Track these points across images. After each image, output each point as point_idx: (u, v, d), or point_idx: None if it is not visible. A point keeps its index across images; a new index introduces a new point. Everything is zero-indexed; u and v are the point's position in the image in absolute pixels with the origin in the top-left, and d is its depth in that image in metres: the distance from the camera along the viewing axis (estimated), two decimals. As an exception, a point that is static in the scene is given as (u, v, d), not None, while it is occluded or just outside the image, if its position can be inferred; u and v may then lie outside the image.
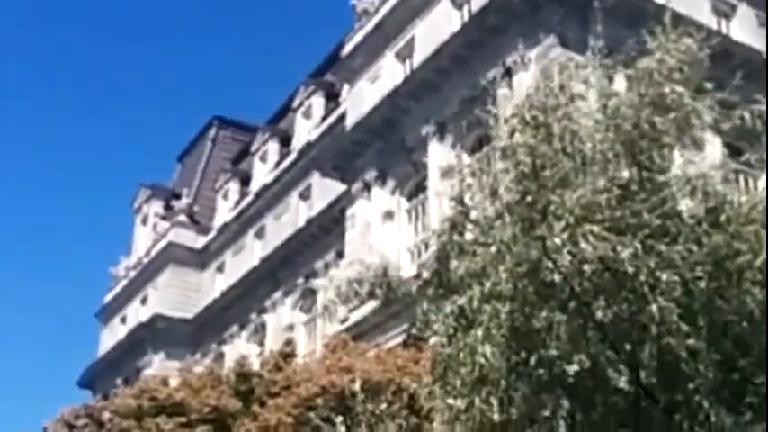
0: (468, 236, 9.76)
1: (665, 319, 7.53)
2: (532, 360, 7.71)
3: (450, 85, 26.50)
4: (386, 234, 28.52)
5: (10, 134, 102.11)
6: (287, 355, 21.47)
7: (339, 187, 32.89)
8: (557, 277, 7.66)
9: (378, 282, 11.00)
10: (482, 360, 7.70)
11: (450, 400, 8.30)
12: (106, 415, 20.68)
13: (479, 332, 7.87)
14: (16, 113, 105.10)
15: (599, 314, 7.81)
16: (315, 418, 17.19)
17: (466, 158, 21.40)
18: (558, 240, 7.48)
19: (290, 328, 37.08)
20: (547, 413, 8.13)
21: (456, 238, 9.97)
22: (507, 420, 8.47)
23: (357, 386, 17.22)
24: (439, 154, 25.34)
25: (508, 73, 23.47)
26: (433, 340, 9.21)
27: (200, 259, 47.26)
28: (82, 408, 20.95)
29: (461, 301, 8.41)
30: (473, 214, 9.96)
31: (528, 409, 8.19)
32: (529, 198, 8.04)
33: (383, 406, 17.33)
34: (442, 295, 9.43)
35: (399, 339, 21.40)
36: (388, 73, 30.03)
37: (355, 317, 30.60)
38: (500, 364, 7.69)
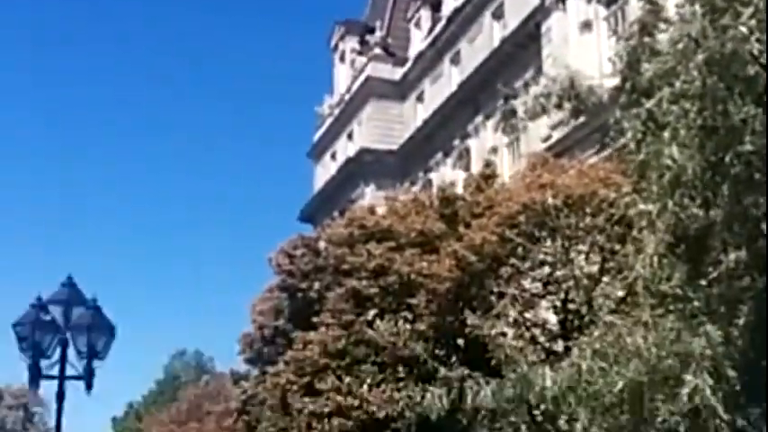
0: (660, 36, 9.21)
1: None
2: (728, 158, 7.29)
3: None
4: (584, 46, 27.43)
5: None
6: (488, 176, 21.56)
7: (532, 1, 31.69)
8: (752, 69, 7.07)
9: (566, 94, 10.62)
10: (669, 162, 7.37)
11: (642, 206, 8.08)
12: (321, 244, 21.89)
13: (666, 134, 7.50)
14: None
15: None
16: (517, 236, 17.35)
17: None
18: (744, 29, 6.86)
19: (494, 151, 37.09)
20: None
21: (646, 39, 9.43)
22: (710, 224, 8.17)
23: (559, 201, 17.13)
24: (634, -47, 23.67)
25: None
26: (624, 147, 8.92)
27: (400, 91, 47.72)
28: (299, 239, 22.26)
29: (650, 104, 8.01)
30: (665, 12, 9.37)
31: (729, 209, 7.83)
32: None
33: (587, 220, 17.22)
34: (634, 101, 9.04)
35: (603, 154, 20.93)
36: None
37: (557, 134, 30.10)
38: (693, 164, 7.33)
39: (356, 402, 18.32)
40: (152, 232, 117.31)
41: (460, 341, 17.61)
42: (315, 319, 19.99)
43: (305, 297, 21.14)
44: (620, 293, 14.37)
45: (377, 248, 19.84)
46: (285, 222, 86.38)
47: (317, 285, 20.87)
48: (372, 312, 19.54)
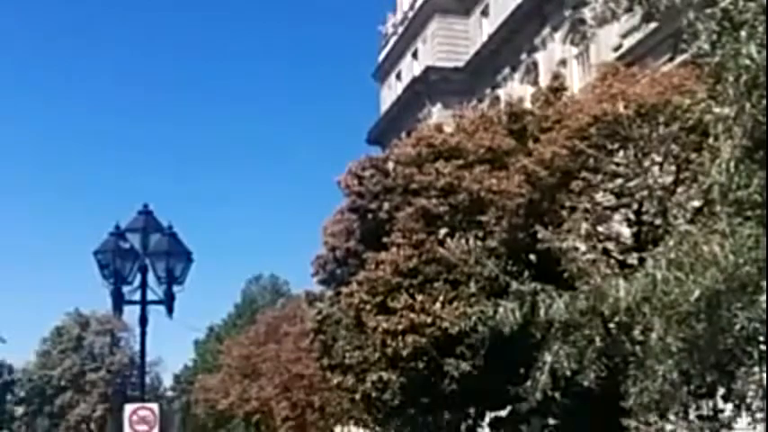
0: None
1: None
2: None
3: None
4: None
5: None
6: (556, 89, 21.11)
7: None
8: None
9: (636, -5, 10.23)
10: (746, 62, 7.06)
11: (718, 110, 7.80)
12: (390, 164, 21.84)
13: (744, 33, 7.17)
14: None
15: None
16: (588, 148, 17.04)
17: None
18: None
19: (562, 63, 36.30)
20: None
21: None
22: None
23: (631, 111, 16.73)
24: None
25: None
26: (699, 51, 8.57)
27: (464, 5, 46.80)
28: (367, 160, 22.23)
29: (726, 2, 7.66)
30: None
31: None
32: None
33: (660, 129, 16.80)
34: (709, 1, 8.66)
35: (676, 60, 20.28)
36: None
37: (628, 42, 29.28)
38: (771, 63, 7.02)
39: (429, 319, 18.48)
40: (225, 159, 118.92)
41: (532, 257, 17.53)
42: (385, 240, 20.07)
43: (375, 218, 21.20)
44: (696, 203, 14.10)
45: (445, 167, 19.71)
46: (354, 145, 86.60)
47: (386, 206, 20.87)
48: (443, 231, 19.53)
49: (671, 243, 8.68)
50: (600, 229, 17.95)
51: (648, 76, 19.06)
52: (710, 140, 8.67)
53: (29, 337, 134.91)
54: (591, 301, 9.33)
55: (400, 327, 18.76)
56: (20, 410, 70.07)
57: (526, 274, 10.95)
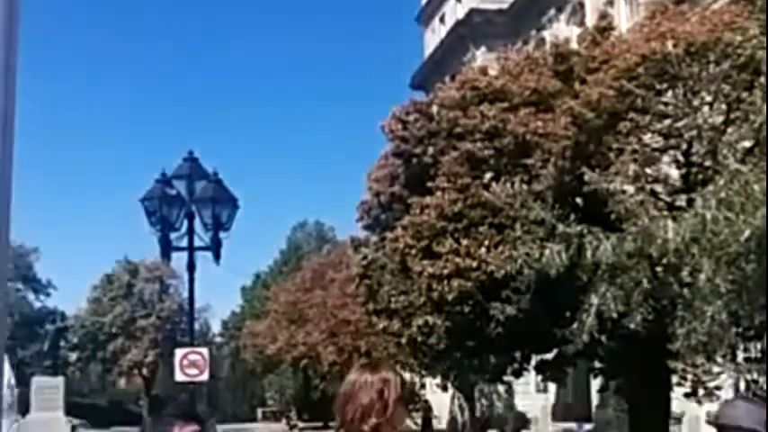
0: None
1: None
2: None
3: None
4: None
5: None
6: (604, 29, 20.67)
7: None
8: None
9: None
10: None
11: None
12: (434, 108, 21.68)
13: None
14: None
15: None
16: (636, 89, 16.71)
17: None
18: None
19: (610, 3, 35.55)
20: None
21: None
22: None
23: (680, 50, 16.33)
24: None
25: None
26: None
27: (508, -55, 45.94)
28: (411, 104, 22.07)
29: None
30: None
31: None
32: None
33: (710, 68, 16.40)
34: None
35: (727, -2, 19.76)
36: None
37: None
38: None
39: (474, 264, 18.47)
40: (269, 105, 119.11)
41: (578, 200, 17.37)
42: (430, 184, 20.01)
43: (419, 162, 21.11)
44: (747, 143, 13.78)
45: (490, 110, 19.51)
46: (398, 90, 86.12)
47: (431, 150, 20.76)
48: (488, 175, 19.41)
49: (721, 183, 8.52)
50: (648, 170, 17.68)
51: (698, 13, 18.58)
52: (762, 79, 8.46)
53: (80, 285, 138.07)
54: (638, 243, 9.23)
55: (446, 271, 18.78)
56: (73, 356, 71.90)
57: (572, 216, 10.86)
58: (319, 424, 53.27)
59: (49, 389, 46.84)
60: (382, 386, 3.17)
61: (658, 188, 17.76)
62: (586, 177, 15.09)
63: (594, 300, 10.49)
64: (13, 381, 34.27)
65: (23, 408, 41.74)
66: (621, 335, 14.11)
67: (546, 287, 15.48)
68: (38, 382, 49.78)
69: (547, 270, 10.52)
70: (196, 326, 48.50)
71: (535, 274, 13.14)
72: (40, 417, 42.05)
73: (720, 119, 16.49)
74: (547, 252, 10.14)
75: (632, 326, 11.34)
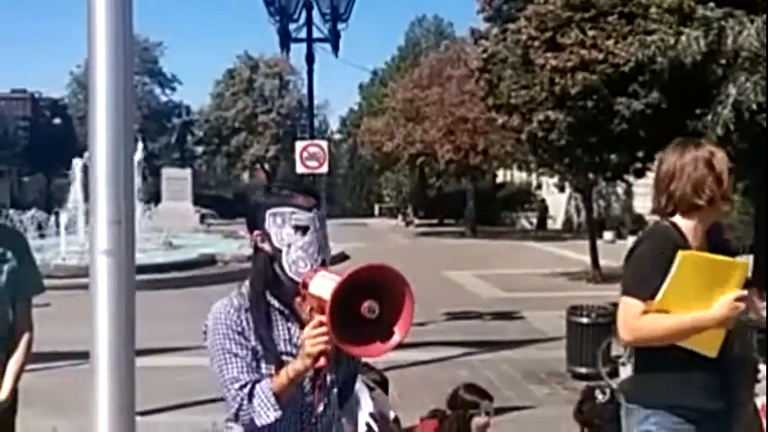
0: None
1: None
2: None
3: None
4: None
5: None
6: None
7: None
8: None
9: None
10: None
11: None
12: None
13: None
14: None
15: None
16: None
17: None
18: None
19: None
20: None
21: None
22: None
23: None
24: None
25: None
26: None
27: None
28: None
29: None
30: None
31: None
32: None
33: None
34: None
35: None
36: None
37: None
38: None
39: (601, 56, 17.65)
40: None
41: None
42: (556, -28, 18.96)
43: (545, -52, 19.92)
44: None
45: None
46: None
47: (557, -65, 19.49)
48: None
49: None
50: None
51: None
52: None
53: (203, 81, 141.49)
54: (788, 27, 8.53)
55: (569, 64, 18.07)
56: (199, 150, 74.58)
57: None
58: (435, 221, 54.37)
59: (178, 180, 49.15)
60: (711, 158, 3.11)
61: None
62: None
63: (732, 90, 9.91)
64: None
65: (154, 198, 43.85)
66: (755, 134, 13.43)
67: (678, 80, 14.69)
68: (168, 173, 52.18)
69: (681, 59, 9.94)
70: (315, 122, 49.15)
71: (668, 64, 12.42)
72: (171, 206, 44.36)
73: None
74: (683, 38, 9.53)
75: (770, 119, 10.73)
